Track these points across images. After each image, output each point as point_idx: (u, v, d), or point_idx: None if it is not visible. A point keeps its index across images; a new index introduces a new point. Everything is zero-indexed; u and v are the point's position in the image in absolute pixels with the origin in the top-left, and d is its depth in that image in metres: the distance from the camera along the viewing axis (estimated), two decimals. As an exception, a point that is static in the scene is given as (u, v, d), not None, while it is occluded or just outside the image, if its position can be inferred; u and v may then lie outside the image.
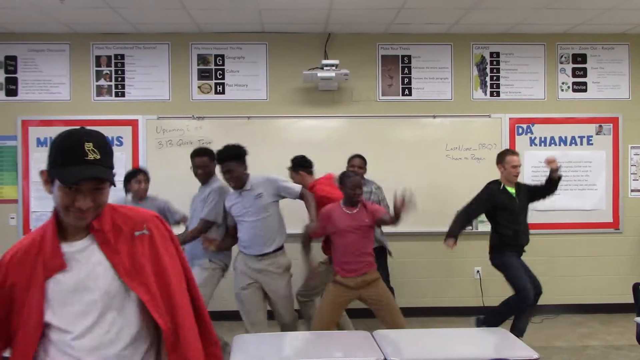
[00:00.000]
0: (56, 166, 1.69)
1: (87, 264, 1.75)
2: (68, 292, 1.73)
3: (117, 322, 1.75)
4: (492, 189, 5.16)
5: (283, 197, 4.59)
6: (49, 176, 1.73)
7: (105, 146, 1.74)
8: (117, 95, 6.34)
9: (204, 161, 4.76)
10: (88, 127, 1.79)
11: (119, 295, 1.76)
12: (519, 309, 4.95)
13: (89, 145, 1.69)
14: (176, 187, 6.24)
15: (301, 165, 5.17)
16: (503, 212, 5.09)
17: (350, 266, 4.20)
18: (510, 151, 5.34)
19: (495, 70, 6.53)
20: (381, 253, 5.44)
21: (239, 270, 4.53)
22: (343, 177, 4.36)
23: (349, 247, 4.24)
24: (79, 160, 1.68)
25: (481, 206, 5.16)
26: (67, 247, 1.75)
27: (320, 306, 4.32)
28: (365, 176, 5.48)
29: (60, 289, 1.72)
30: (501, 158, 5.22)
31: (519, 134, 6.49)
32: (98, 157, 1.70)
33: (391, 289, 5.05)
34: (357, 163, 5.51)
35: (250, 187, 4.49)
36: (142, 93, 6.33)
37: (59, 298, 1.72)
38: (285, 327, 4.29)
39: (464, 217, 5.11)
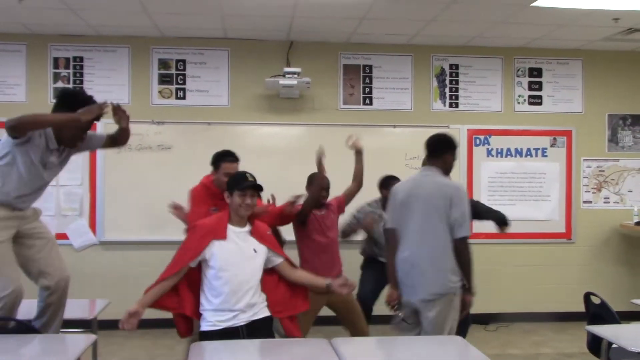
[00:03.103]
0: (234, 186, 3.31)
1: (243, 242, 3.30)
2: (228, 253, 3.23)
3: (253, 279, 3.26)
4: None
5: None
6: (230, 191, 3.31)
7: (254, 176, 3.38)
8: (75, 98, 6.22)
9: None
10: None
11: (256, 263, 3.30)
12: None
13: (248, 175, 3.35)
14: (134, 193, 6.20)
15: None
16: None
17: (324, 272, 4.13)
18: None
19: (454, 82, 6.65)
20: (371, 265, 5.29)
21: None
22: (312, 178, 4.47)
23: (320, 250, 4.28)
24: (245, 179, 3.32)
25: None
26: (233, 229, 3.30)
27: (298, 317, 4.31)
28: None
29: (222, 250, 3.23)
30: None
31: (476, 145, 6.61)
32: (252, 179, 3.35)
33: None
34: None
35: None
36: (101, 96, 5.95)
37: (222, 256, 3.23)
38: None
39: None
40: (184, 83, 6.37)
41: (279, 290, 3.42)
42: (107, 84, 6.26)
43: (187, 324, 3.34)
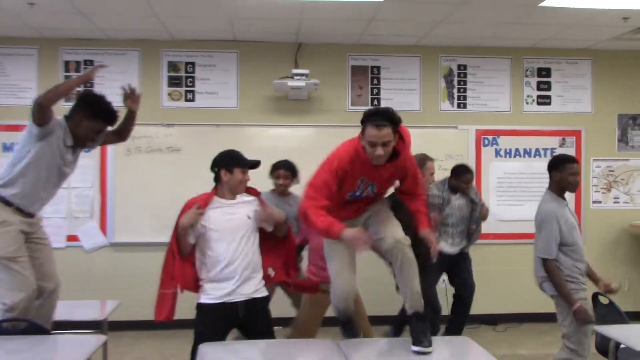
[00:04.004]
0: (231, 164, 3.50)
1: (235, 210, 3.46)
2: (221, 221, 3.41)
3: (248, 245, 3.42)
4: None
5: None
6: (228, 169, 3.47)
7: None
8: (85, 100, 6.28)
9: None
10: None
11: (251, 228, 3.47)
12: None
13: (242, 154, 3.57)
14: (143, 195, 6.25)
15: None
16: None
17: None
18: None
19: (462, 83, 6.65)
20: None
21: None
22: None
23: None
24: (245, 158, 3.53)
25: None
26: (223, 201, 3.49)
27: (305, 316, 4.34)
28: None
29: (216, 218, 3.42)
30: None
31: (484, 146, 6.61)
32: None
33: None
34: (469, 179, 5.36)
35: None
36: (111, 99, 6.23)
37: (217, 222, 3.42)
38: None
39: None
40: (193, 85, 6.41)
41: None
42: (116, 86, 6.27)
43: (170, 309, 3.48)
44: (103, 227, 6.27)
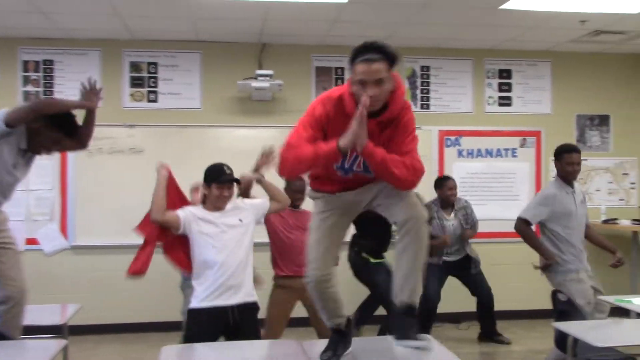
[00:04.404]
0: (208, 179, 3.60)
1: (222, 224, 3.55)
2: (210, 228, 3.53)
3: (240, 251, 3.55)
4: None
5: None
6: (207, 184, 3.58)
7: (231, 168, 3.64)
8: (45, 101, 6.17)
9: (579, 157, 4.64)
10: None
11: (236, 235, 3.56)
12: None
13: (226, 167, 3.62)
14: (105, 197, 6.16)
15: None
16: None
17: (300, 260, 4.21)
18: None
19: (425, 84, 6.73)
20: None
21: None
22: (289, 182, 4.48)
23: (295, 245, 4.30)
24: (224, 173, 3.59)
25: None
26: (207, 213, 3.57)
27: (271, 315, 4.35)
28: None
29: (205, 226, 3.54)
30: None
31: (447, 146, 6.69)
32: (230, 172, 3.60)
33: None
34: (454, 185, 5.83)
35: None
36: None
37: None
38: None
39: None
40: (156, 86, 6.35)
41: None
42: (77, 87, 6.15)
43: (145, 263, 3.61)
44: (64, 229, 6.16)
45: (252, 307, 3.53)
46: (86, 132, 3.71)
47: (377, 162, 2.46)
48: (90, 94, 3.63)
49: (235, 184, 3.65)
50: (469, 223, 5.83)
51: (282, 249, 4.43)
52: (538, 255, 4.59)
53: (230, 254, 3.48)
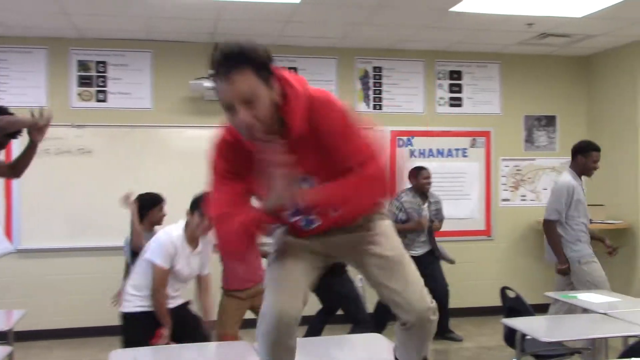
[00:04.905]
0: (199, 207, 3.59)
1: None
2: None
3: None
4: None
5: None
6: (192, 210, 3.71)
7: None
8: (-12, 100, 5.98)
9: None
10: None
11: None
12: None
13: None
14: (53, 199, 6.00)
15: None
16: None
17: (246, 277, 4.28)
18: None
19: (378, 85, 6.78)
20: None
21: None
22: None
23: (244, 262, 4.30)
24: None
25: None
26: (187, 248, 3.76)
27: (224, 322, 4.33)
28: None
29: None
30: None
31: (399, 146, 6.76)
32: None
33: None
34: (429, 174, 5.92)
35: None
36: (16, 99, 5.96)
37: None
38: None
39: None
40: (105, 85, 6.22)
41: None
42: (22, 86, 6.03)
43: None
44: (8, 233, 5.96)
45: (186, 304, 3.94)
46: (23, 162, 3.66)
47: (331, 205, 1.93)
48: (39, 128, 3.55)
49: None
50: (438, 218, 5.97)
51: (229, 265, 4.40)
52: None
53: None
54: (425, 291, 2.13)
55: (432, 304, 2.11)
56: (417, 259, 5.67)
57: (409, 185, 5.93)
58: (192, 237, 3.73)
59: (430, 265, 5.85)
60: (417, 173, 5.88)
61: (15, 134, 3.54)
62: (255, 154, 1.89)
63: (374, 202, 1.98)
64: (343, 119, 1.94)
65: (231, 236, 1.94)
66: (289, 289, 2.03)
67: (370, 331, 5.10)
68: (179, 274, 3.75)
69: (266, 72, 1.86)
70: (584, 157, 4.78)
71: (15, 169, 3.67)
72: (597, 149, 4.81)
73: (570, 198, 4.73)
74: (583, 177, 4.92)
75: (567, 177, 4.81)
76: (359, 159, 1.91)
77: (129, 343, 3.49)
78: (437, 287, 5.85)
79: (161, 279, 3.59)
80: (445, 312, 5.93)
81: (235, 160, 2.00)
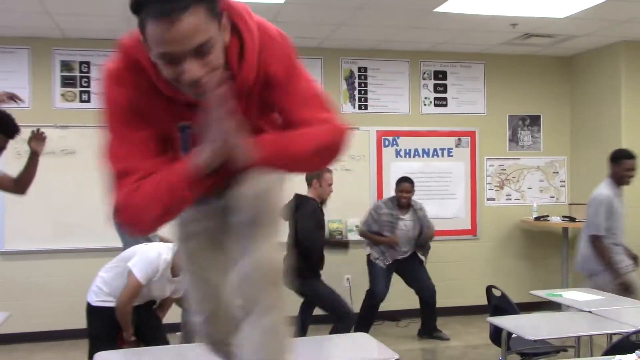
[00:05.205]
0: None
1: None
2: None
3: None
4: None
5: None
6: None
7: None
8: (-30, 101, 5.91)
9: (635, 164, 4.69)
10: None
11: None
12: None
13: None
14: (36, 200, 5.92)
15: None
16: None
17: None
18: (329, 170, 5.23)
19: (363, 85, 6.79)
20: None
21: None
22: None
23: None
24: None
25: None
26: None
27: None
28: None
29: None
30: None
31: (385, 146, 6.77)
32: None
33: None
34: (406, 188, 5.82)
35: None
36: None
37: None
38: None
39: None
40: (89, 86, 6.17)
41: None
42: (5, 87, 5.88)
43: None
44: (-9, 235, 5.91)
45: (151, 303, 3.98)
46: (27, 176, 3.67)
47: (279, 161, 1.53)
48: (36, 138, 3.58)
49: None
50: (426, 225, 5.90)
51: None
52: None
53: None
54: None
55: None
56: (401, 262, 5.72)
57: (393, 194, 5.96)
58: (177, 267, 3.75)
59: (413, 267, 5.89)
60: (397, 184, 5.87)
61: (11, 133, 3.51)
62: (171, 99, 1.49)
63: (324, 162, 1.62)
64: (294, 58, 1.62)
65: (145, 199, 1.49)
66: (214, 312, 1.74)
67: (354, 327, 5.15)
68: (150, 292, 3.82)
69: (217, 6, 1.41)
70: (617, 166, 4.66)
71: (19, 183, 3.68)
72: (629, 157, 4.66)
73: (609, 210, 4.55)
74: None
75: (602, 189, 4.66)
76: (312, 110, 1.57)
77: (92, 336, 3.80)
78: (422, 288, 5.88)
79: (133, 291, 3.65)
80: (433, 311, 5.95)
81: (141, 97, 1.52)
